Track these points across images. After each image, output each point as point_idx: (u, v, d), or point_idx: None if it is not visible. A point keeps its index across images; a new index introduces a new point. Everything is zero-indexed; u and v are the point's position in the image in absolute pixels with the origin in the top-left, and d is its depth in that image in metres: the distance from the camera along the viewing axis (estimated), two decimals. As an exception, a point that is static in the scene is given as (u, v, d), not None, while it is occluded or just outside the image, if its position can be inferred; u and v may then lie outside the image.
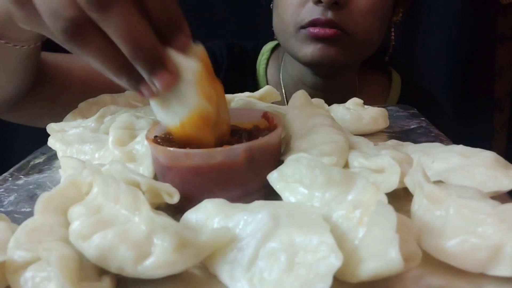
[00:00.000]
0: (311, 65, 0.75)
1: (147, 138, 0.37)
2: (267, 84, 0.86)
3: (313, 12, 0.68)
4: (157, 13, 0.32)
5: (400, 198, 0.35)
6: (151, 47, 0.31)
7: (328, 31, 0.68)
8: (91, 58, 0.33)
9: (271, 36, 0.83)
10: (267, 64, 0.90)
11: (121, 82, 0.33)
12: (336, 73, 0.78)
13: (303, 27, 0.70)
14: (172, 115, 0.34)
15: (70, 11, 0.31)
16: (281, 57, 0.87)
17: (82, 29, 0.31)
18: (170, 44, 0.33)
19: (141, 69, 0.32)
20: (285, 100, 0.82)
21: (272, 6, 0.79)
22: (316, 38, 0.69)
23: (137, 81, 0.33)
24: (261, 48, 0.91)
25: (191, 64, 0.32)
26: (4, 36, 0.51)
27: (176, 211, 0.34)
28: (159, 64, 0.32)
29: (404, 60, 1.19)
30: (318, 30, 0.68)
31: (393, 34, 0.83)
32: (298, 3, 0.70)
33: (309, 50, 0.71)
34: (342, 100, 0.59)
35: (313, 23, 0.68)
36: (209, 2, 0.53)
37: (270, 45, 0.91)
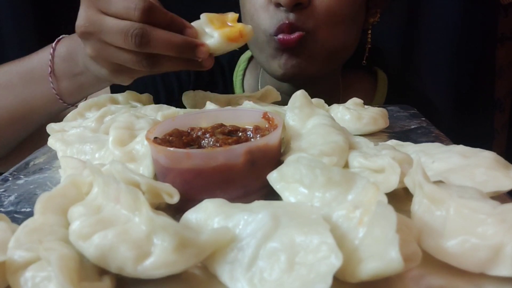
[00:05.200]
0: (286, 80, 0.74)
1: (147, 138, 0.37)
2: None
3: (276, 15, 0.67)
4: (171, 26, 0.54)
5: (400, 198, 0.35)
6: (185, 40, 0.53)
7: (291, 37, 0.67)
8: (158, 50, 0.52)
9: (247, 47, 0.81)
10: (244, 74, 0.88)
11: (180, 55, 0.53)
12: (313, 80, 0.76)
13: (273, 34, 0.68)
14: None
15: (134, 25, 0.51)
16: (259, 65, 0.85)
17: (146, 31, 0.51)
18: (185, 34, 0.54)
19: (187, 49, 0.53)
20: None
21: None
22: (282, 48, 0.69)
23: (192, 52, 0.54)
24: (237, 59, 0.89)
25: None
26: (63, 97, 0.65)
27: (176, 211, 0.34)
28: (193, 46, 0.54)
29: (400, 60, 1.19)
30: (282, 36, 0.67)
31: (369, 36, 0.81)
32: (262, 8, 0.69)
33: (276, 64, 0.71)
34: None
35: (280, 30, 0.67)
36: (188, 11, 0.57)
37: (247, 54, 0.89)
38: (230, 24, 0.56)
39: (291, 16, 0.66)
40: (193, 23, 0.55)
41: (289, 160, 0.37)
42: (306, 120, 0.44)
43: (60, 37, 0.65)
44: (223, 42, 0.54)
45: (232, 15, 0.56)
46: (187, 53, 0.53)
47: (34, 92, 0.65)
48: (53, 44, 0.64)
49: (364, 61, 0.83)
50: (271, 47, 0.70)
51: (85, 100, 0.67)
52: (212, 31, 0.54)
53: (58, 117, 0.64)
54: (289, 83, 0.77)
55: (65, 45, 0.63)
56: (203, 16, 0.55)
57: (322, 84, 0.79)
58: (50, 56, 0.63)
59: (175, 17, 0.54)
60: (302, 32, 0.67)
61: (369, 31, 0.81)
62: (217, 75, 0.89)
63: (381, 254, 0.24)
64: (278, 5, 0.66)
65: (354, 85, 0.86)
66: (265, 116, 0.42)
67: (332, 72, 0.81)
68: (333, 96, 0.82)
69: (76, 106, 0.65)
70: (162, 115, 0.52)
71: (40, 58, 0.65)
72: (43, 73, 0.64)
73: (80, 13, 0.54)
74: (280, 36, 0.67)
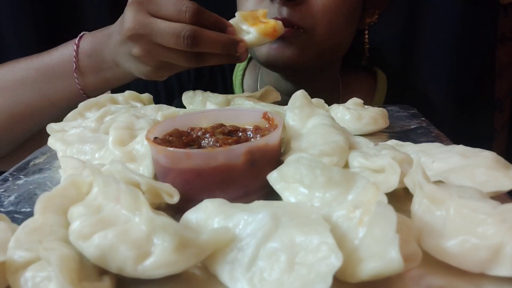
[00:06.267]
0: (268, 65, 0.74)
1: (147, 138, 0.37)
2: None
3: (270, 10, 0.67)
4: (216, 26, 0.57)
5: (400, 198, 0.35)
6: (229, 38, 0.58)
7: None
8: (207, 49, 0.56)
9: None
10: (243, 74, 0.89)
11: (225, 51, 0.57)
12: (310, 78, 0.76)
13: None
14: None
15: (186, 27, 0.54)
16: (259, 66, 0.85)
17: (197, 32, 0.54)
18: (227, 32, 0.58)
19: (231, 46, 0.57)
20: None
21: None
22: None
23: (234, 48, 0.58)
24: None
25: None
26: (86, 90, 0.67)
27: (176, 211, 0.34)
28: (235, 43, 0.58)
29: (400, 60, 1.19)
30: None
31: (367, 36, 0.81)
32: (256, 2, 0.69)
33: (265, 49, 0.71)
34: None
35: None
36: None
37: None
38: (263, 20, 0.61)
39: (284, 11, 0.67)
40: (230, 21, 0.59)
41: (289, 160, 0.37)
42: (306, 120, 0.44)
43: (82, 33, 0.66)
44: (260, 37, 0.59)
45: (262, 11, 0.62)
46: (230, 50, 0.57)
47: (56, 87, 0.67)
48: (76, 40, 0.65)
49: (364, 61, 0.83)
50: None
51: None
52: (249, 28, 0.59)
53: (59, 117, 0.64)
54: (283, 75, 0.78)
55: (89, 41, 0.65)
56: (238, 14, 0.60)
57: (321, 82, 0.79)
58: (74, 53, 0.65)
59: (218, 18, 0.58)
60: (296, 28, 0.67)
61: (366, 32, 0.81)
62: (217, 75, 0.89)
63: (381, 254, 0.24)
64: None
65: (353, 85, 0.85)
66: (265, 116, 0.42)
67: (329, 70, 0.81)
68: (333, 96, 0.82)
69: None
70: (162, 115, 0.52)
71: (61, 54, 0.66)
72: (66, 69, 0.65)
73: (129, 16, 0.56)
74: None
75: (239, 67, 0.89)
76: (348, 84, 0.85)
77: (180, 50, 0.55)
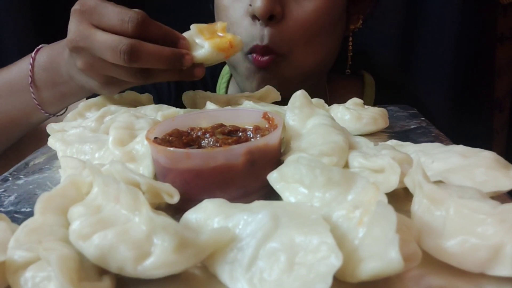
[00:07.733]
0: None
1: (147, 138, 0.37)
2: None
3: (251, 30, 0.66)
4: (166, 38, 0.53)
5: (400, 198, 0.35)
6: (172, 52, 0.53)
7: (264, 59, 0.66)
8: (148, 64, 0.51)
9: None
10: (227, 86, 0.87)
11: (169, 66, 0.53)
12: (294, 91, 0.76)
13: (246, 53, 0.68)
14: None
15: (123, 40, 0.50)
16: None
17: (135, 46, 0.50)
18: (179, 45, 0.54)
19: (176, 60, 0.53)
20: None
21: None
22: (255, 68, 0.68)
23: (180, 62, 0.53)
24: (220, 71, 0.88)
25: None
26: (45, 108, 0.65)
27: (176, 211, 0.34)
28: (179, 56, 0.53)
29: (400, 60, 1.19)
30: (255, 56, 0.67)
31: (351, 43, 0.79)
32: (237, 23, 0.67)
33: (249, 85, 0.70)
34: None
35: (253, 50, 0.67)
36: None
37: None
38: (220, 34, 0.56)
39: (266, 32, 0.65)
40: (184, 34, 0.55)
41: (289, 160, 0.37)
42: (306, 120, 0.44)
43: (39, 46, 0.64)
44: (214, 52, 0.54)
45: (220, 24, 0.56)
46: (174, 64, 0.53)
47: (14, 103, 0.64)
48: (32, 54, 0.63)
49: (347, 70, 0.82)
50: (245, 67, 0.70)
51: (66, 110, 0.67)
52: (203, 42, 0.54)
53: (56, 119, 0.64)
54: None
55: (45, 54, 0.62)
56: (193, 26, 0.55)
57: (306, 90, 0.78)
58: (30, 66, 0.62)
59: (169, 30, 0.54)
60: (275, 55, 0.67)
61: (351, 39, 0.79)
62: (198, 88, 0.88)
63: (381, 254, 0.24)
64: (254, 17, 0.65)
65: (340, 90, 0.84)
66: (265, 116, 0.42)
67: (315, 81, 0.79)
68: None
69: (57, 116, 0.65)
70: (162, 115, 0.52)
71: (19, 69, 0.64)
72: (23, 83, 0.63)
73: (71, 27, 0.53)
74: (254, 54, 0.67)
75: (223, 79, 0.87)
76: (335, 90, 0.83)
77: (122, 65, 0.51)
